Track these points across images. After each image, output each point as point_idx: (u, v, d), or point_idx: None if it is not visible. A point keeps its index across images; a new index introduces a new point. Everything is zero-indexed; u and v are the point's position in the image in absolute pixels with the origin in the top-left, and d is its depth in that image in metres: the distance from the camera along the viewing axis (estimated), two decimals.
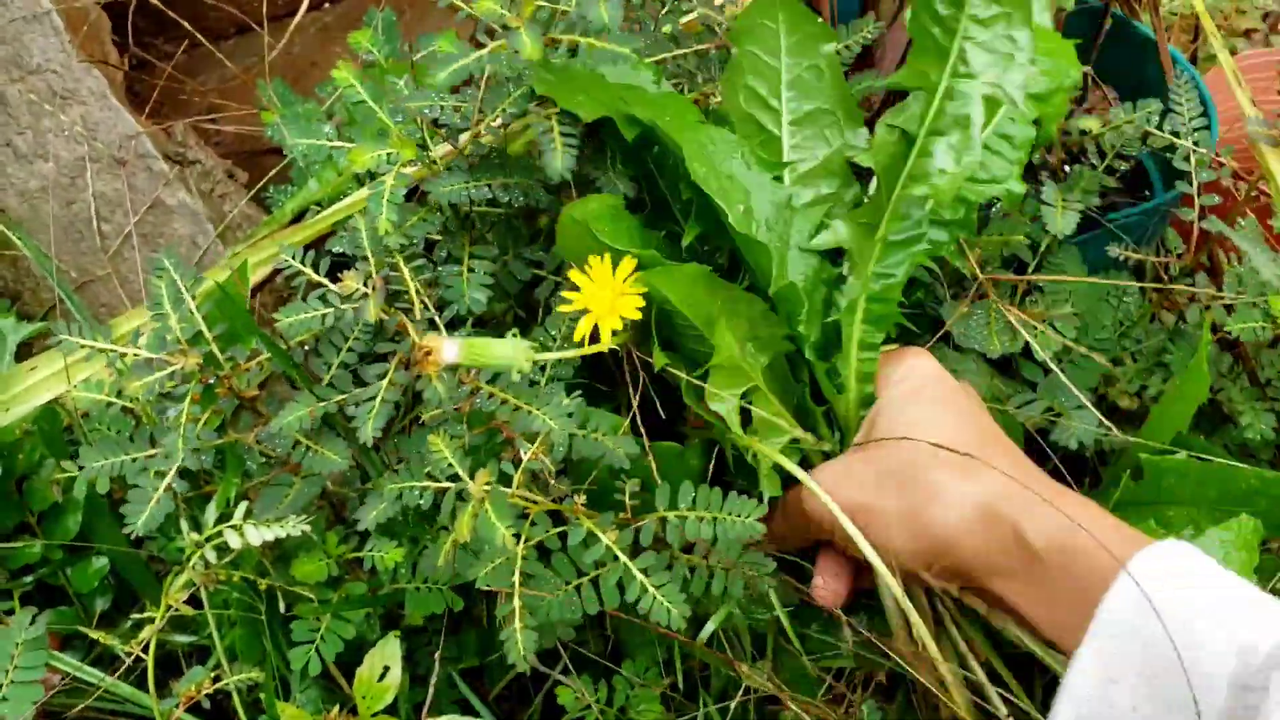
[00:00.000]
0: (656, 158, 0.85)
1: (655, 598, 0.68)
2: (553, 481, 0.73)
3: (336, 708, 0.70)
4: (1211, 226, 0.94)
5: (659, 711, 0.84)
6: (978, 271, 0.92)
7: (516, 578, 0.70)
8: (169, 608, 0.70)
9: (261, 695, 0.78)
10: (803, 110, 0.87)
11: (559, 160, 0.78)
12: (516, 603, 0.69)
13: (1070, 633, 0.60)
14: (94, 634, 0.78)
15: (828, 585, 0.78)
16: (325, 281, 0.77)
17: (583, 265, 0.71)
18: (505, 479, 0.70)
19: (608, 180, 0.83)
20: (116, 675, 0.79)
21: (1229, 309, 0.94)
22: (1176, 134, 0.99)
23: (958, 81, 0.75)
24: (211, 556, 0.71)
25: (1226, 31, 1.84)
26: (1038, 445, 0.97)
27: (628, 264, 0.71)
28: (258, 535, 0.69)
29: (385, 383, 0.73)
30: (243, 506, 0.72)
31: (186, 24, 1.13)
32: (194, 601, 0.79)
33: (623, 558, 0.69)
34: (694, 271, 0.75)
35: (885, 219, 0.78)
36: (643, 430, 0.79)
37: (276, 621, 0.81)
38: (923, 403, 0.75)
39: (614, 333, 0.71)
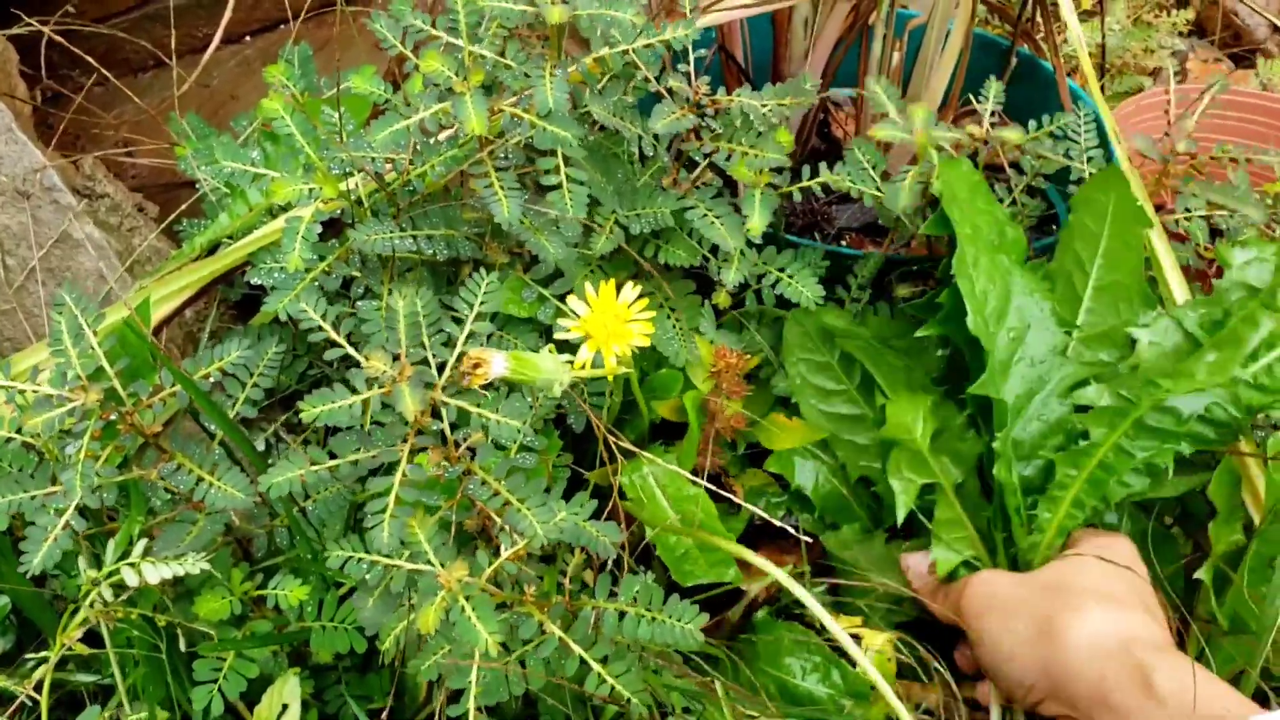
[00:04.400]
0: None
1: (614, 686, 0.68)
2: (523, 569, 0.70)
3: None
4: None
5: None
6: None
7: (474, 676, 0.67)
8: (64, 646, 0.69)
9: None
10: (1105, 280, 0.92)
11: (505, 209, 0.78)
12: (471, 705, 0.67)
13: None
14: None
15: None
16: None
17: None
18: (476, 567, 0.67)
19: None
20: (11, 715, 0.77)
21: None
22: (1070, 156, 1.03)
23: None
24: (109, 594, 0.69)
25: (1135, 70, 1.90)
26: None
27: (630, 292, 0.72)
28: (155, 573, 0.68)
29: (399, 475, 0.68)
30: (142, 544, 0.71)
31: (92, 59, 1.12)
32: (97, 640, 0.78)
33: (577, 649, 0.68)
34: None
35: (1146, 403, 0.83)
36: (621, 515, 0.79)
37: (179, 660, 0.80)
38: (1100, 563, 0.80)
39: (616, 359, 0.71)
